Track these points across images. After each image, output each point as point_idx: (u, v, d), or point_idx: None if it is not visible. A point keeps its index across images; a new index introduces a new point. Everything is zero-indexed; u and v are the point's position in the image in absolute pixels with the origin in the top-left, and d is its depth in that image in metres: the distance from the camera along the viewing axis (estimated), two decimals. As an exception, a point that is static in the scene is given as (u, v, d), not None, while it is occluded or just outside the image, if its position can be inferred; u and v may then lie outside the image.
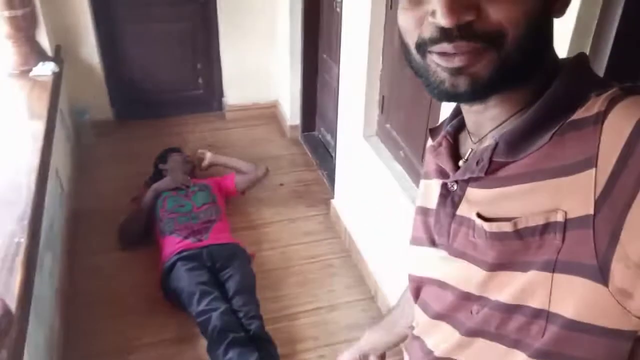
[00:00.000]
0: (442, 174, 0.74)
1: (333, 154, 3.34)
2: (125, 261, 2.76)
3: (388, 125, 2.42)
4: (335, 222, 3.04)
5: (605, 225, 0.53)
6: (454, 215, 0.70)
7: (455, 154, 0.73)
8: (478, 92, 0.60)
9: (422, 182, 0.83)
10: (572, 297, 0.57)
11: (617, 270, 0.52)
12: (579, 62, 0.63)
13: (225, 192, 3.10)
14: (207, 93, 4.17)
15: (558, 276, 0.57)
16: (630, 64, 1.16)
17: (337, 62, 2.97)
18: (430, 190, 0.77)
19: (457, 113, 0.75)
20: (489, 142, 0.65)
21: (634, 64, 1.17)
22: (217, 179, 3.12)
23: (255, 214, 3.14)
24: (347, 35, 2.60)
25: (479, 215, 0.65)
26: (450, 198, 0.71)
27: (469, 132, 0.72)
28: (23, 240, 1.80)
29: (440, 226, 0.73)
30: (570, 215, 0.56)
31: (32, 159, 2.25)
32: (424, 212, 0.79)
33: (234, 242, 2.70)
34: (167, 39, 3.91)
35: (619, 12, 1.13)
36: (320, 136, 3.79)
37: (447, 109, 1.74)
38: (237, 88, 4.07)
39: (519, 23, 0.55)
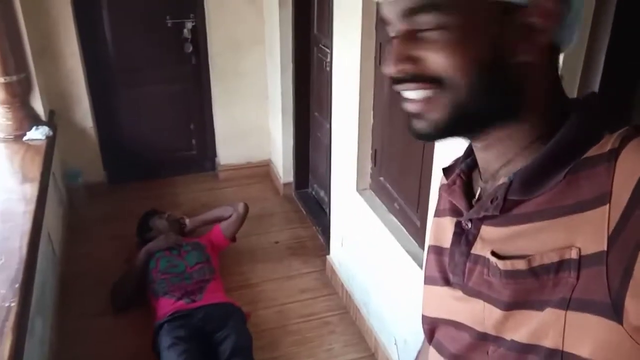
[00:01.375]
0: (456, 212, 0.74)
1: (327, 210, 3.34)
2: (118, 325, 2.70)
3: (382, 178, 2.43)
4: (332, 278, 3.01)
5: (618, 261, 0.52)
6: (468, 254, 0.69)
7: (469, 192, 0.73)
8: (440, 134, 0.64)
9: (435, 220, 0.82)
10: (587, 337, 0.55)
11: (631, 307, 0.51)
12: (590, 100, 0.64)
13: (218, 246, 3.06)
14: (200, 153, 4.21)
15: (572, 314, 0.56)
16: (622, 79, 1.19)
17: (328, 119, 3.02)
18: (444, 229, 0.77)
19: (470, 152, 0.75)
20: (502, 180, 0.65)
21: (626, 79, 1.20)
22: (206, 236, 3.09)
23: (250, 273, 3.10)
24: (338, 92, 2.65)
25: (494, 254, 0.64)
26: (464, 236, 0.70)
27: (479, 170, 0.72)
28: (14, 304, 1.77)
29: (454, 265, 0.72)
30: (585, 252, 0.55)
31: (24, 223, 2.25)
32: (437, 251, 0.79)
33: (228, 301, 2.65)
34: (160, 101, 3.97)
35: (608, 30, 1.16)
36: (313, 193, 3.80)
37: (440, 157, 1.76)
38: (230, 148, 4.11)
39: (456, 72, 0.59)
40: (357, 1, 2.27)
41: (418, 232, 2.11)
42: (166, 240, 2.91)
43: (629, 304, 0.51)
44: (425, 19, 0.59)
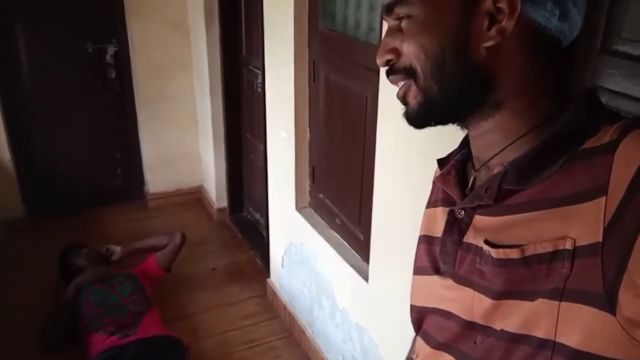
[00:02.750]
0: (449, 202, 0.74)
1: (264, 233, 3.29)
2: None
3: (321, 195, 2.42)
4: (273, 302, 2.94)
5: (613, 253, 0.53)
6: (460, 242, 0.69)
7: (463, 182, 0.73)
8: (418, 120, 0.68)
9: (426, 211, 0.83)
10: (578, 327, 0.56)
11: (625, 299, 0.52)
12: (590, 93, 0.65)
13: (152, 277, 2.92)
14: (127, 182, 4.04)
15: (565, 305, 0.56)
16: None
17: (262, 140, 2.99)
18: (436, 219, 0.77)
19: (466, 143, 0.75)
20: (497, 169, 0.65)
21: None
22: (139, 266, 2.94)
23: (188, 302, 2.98)
24: (272, 112, 2.63)
25: (487, 242, 0.64)
26: (457, 225, 0.70)
27: (472, 158, 0.73)
28: None
29: (446, 253, 0.72)
30: (579, 243, 0.56)
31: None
32: (428, 240, 0.79)
33: (166, 333, 2.52)
34: (83, 130, 3.79)
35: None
36: (249, 216, 3.74)
37: (380, 169, 1.78)
38: (159, 175, 3.98)
39: (423, 59, 0.63)
40: (288, 20, 2.27)
41: (361, 246, 2.11)
42: (94, 273, 2.74)
43: (623, 295, 0.52)
44: (399, 10, 0.64)
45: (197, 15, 3.47)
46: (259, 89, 3.04)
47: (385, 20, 0.69)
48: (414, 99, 0.66)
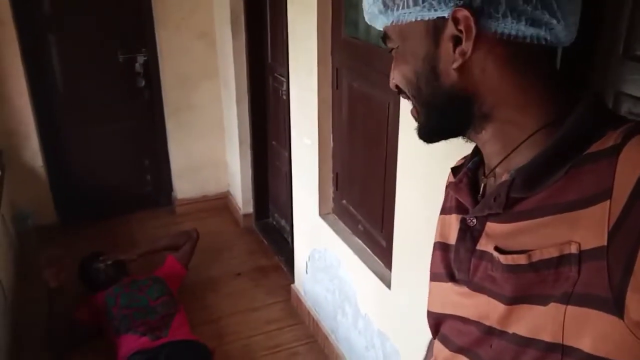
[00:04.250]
0: (462, 209, 0.75)
1: (289, 239, 3.31)
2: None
3: (344, 201, 2.43)
4: (297, 307, 2.96)
5: (618, 256, 0.53)
6: (474, 249, 0.70)
7: (474, 190, 0.75)
8: (424, 136, 0.73)
9: (440, 217, 0.84)
10: (587, 331, 0.56)
11: (632, 303, 0.52)
12: (594, 98, 0.65)
13: (176, 277, 2.95)
14: (156, 189, 4.12)
15: (572, 309, 0.57)
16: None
17: (287, 147, 3.02)
18: (450, 226, 0.78)
19: (478, 150, 0.77)
20: (504, 177, 0.66)
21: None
22: (161, 269, 2.98)
23: (214, 307, 3.02)
24: (296, 119, 2.66)
25: (497, 249, 0.65)
26: (469, 233, 0.71)
27: (484, 167, 0.74)
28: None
29: (460, 261, 0.73)
30: (584, 247, 0.56)
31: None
32: (443, 247, 0.80)
33: (194, 339, 2.56)
34: (113, 137, 3.88)
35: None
36: (274, 222, 3.77)
37: (403, 175, 1.78)
38: (186, 182, 4.04)
39: (404, 84, 0.70)
40: (311, 28, 2.30)
41: (384, 253, 2.11)
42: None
43: (630, 299, 0.52)
44: (388, 44, 0.72)
45: (224, 24, 3.52)
46: (284, 97, 3.07)
47: None
48: (417, 117, 0.73)
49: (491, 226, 0.68)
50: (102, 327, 2.67)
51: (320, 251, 2.59)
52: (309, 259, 2.76)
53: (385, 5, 0.67)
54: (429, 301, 0.84)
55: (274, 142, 3.51)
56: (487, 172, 0.72)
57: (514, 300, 0.63)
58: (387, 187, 2.02)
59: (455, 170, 0.80)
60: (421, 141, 0.74)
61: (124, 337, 2.47)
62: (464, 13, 0.61)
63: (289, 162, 2.92)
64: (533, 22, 0.61)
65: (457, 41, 0.63)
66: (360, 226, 2.31)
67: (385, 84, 1.92)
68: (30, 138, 3.54)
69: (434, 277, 0.82)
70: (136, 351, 2.38)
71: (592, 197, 0.56)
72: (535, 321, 0.61)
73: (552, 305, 0.59)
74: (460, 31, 0.62)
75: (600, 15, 1.14)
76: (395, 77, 0.71)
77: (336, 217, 2.52)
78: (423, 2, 0.63)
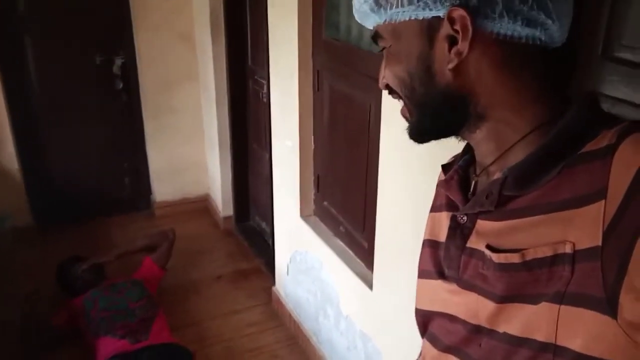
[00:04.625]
0: (453, 206, 0.75)
1: (269, 241, 3.30)
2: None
3: (326, 203, 2.44)
4: (278, 310, 2.95)
5: (613, 256, 0.53)
6: (464, 247, 0.70)
7: (465, 187, 0.74)
8: (415, 136, 0.72)
9: (430, 215, 0.84)
10: (580, 330, 0.56)
11: (626, 302, 0.52)
12: (589, 98, 0.65)
13: (154, 279, 2.92)
14: (134, 192, 4.07)
15: (565, 308, 0.57)
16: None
17: (267, 150, 3.01)
18: (440, 223, 0.78)
19: (469, 148, 0.77)
20: (497, 175, 0.66)
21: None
22: (139, 272, 2.94)
23: (195, 310, 3.00)
24: (277, 121, 2.66)
25: (489, 247, 0.65)
26: (460, 230, 0.71)
27: (474, 165, 0.74)
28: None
29: (450, 258, 0.73)
30: (579, 247, 0.56)
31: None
32: (432, 244, 0.80)
33: (174, 342, 2.53)
34: (91, 140, 3.83)
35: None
36: (255, 225, 3.75)
37: (384, 176, 1.79)
38: (166, 184, 4.01)
39: (397, 84, 0.70)
40: (292, 31, 2.30)
41: (365, 254, 2.12)
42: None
43: (624, 299, 0.52)
44: (380, 42, 0.71)
45: (204, 26, 3.51)
46: (265, 99, 3.07)
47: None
48: (409, 117, 0.72)
49: (482, 224, 0.68)
50: (80, 330, 2.63)
51: (302, 253, 2.59)
52: (290, 261, 2.75)
53: (377, 3, 0.66)
54: (417, 299, 0.84)
55: (254, 145, 3.50)
56: (478, 170, 0.72)
57: (505, 299, 0.63)
58: (369, 188, 2.03)
59: (446, 168, 0.80)
60: (411, 141, 0.73)
61: (102, 339, 2.44)
62: (460, 12, 0.60)
63: (269, 165, 2.91)
64: (529, 22, 0.61)
65: (452, 41, 0.62)
66: (341, 227, 2.32)
67: (366, 85, 1.94)
68: (5, 141, 3.48)
69: (422, 274, 0.82)
70: (115, 354, 2.34)
71: (586, 197, 0.56)
72: (528, 320, 0.61)
73: (545, 304, 0.59)
74: (456, 31, 0.61)
75: (578, 15, 1.16)
76: (387, 77, 0.71)
77: (317, 218, 2.52)
78: (418, 1, 0.62)
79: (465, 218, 0.70)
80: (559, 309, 0.57)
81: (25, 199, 3.65)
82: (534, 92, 0.65)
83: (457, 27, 0.61)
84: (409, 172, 1.65)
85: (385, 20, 0.66)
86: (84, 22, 3.59)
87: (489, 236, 0.67)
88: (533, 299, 0.60)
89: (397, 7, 0.64)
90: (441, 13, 0.62)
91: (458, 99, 0.65)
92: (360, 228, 2.17)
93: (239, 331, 2.84)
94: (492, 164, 0.69)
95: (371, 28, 0.71)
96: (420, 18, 0.63)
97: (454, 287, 0.72)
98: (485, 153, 0.70)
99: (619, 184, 0.53)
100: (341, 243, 2.32)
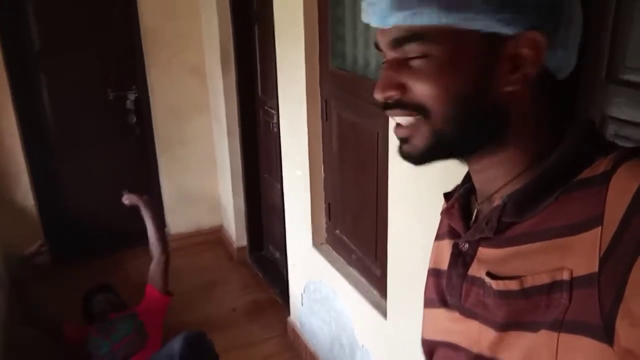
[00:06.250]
0: (455, 234, 0.74)
1: (284, 271, 3.29)
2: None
3: (337, 231, 2.43)
4: (294, 341, 2.92)
5: (609, 282, 0.52)
6: (465, 275, 0.70)
7: (466, 215, 0.74)
8: (423, 159, 0.66)
9: (435, 244, 0.83)
10: (579, 358, 0.55)
11: (622, 329, 0.51)
12: (586, 124, 0.65)
13: (157, 309, 2.84)
14: (149, 225, 4.09)
15: (564, 336, 0.56)
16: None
17: (279, 179, 3.02)
18: (443, 252, 0.77)
19: (469, 176, 0.76)
20: (497, 202, 0.66)
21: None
22: (142, 302, 2.88)
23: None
24: (287, 150, 2.67)
25: (489, 274, 0.65)
26: (461, 258, 0.70)
27: (475, 192, 0.73)
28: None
29: (452, 286, 0.72)
30: (576, 274, 0.56)
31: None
32: (436, 273, 0.79)
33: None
34: (105, 175, 3.87)
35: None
36: (268, 255, 3.74)
37: (395, 204, 1.78)
38: (179, 216, 4.03)
39: (440, 101, 0.61)
40: (300, 61, 2.33)
41: (379, 282, 2.10)
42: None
43: (620, 326, 0.51)
44: (412, 48, 0.61)
45: (214, 59, 3.56)
46: (275, 129, 3.09)
47: (384, 51, 0.66)
48: (423, 138, 0.64)
49: (483, 251, 0.68)
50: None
51: (315, 282, 2.58)
52: (304, 291, 2.73)
53: (441, 2, 0.58)
54: (422, 328, 0.84)
55: (265, 175, 3.52)
56: (480, 199, 0.72)
57: (505, 326, 0.63)
58: (380, 215, 2.02)
59: (447, 196, 0.80)
60: (410, 163, 0.68)
61: None
62: (538, 37, 0.58)
63: (281, 194, 2.92)
64: (564, 50, 0.62)
65: (514, 63, 0.60)
66: (353, 256, 2.30)
67: (373, 113, 1.95)
68: (20, 178, 3.52)
69: (427, 303, 0.81)
70: None
71: (583, 224, 0.56)
72: (528, 349, 0.60)
73: (544, 332, 0.58)
74: (520, 54, 0.60)
75: (583, 40, 1.16)
76: (421, 90, 0.61)
77: (330, 247, 2.51)
78: (498, 12, 0.57)
79: (467, 246, 0.70)
80: (558, 337, 0.57)
81: (40, 235, 3.68)
82: (548, 120, 0.65)
83: (527, 51, 0.59)
84: (418, 198, 1.65)
85: (441, 22, 0.59)
86: (97, 59, 3.67)
87: (489, 263, 0.66)
88: (532, 327, 0.60)
89: (466, 12, 0.58)
90: (514, 31, 0.59)
91: (494, 123, 0.63)
92: (372, 256, 2.15)
93: (255, 364, 2.81)
94: (497, 191, 0.68)
95: (397, 24, 0.61)
96: (488, 31, 0.59)
97: (456, 315, 0.72)
98: (488, 180, 0.69)
99: (614, 210, 0.53)
100: (354, 271, 2.31)
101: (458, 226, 0.73)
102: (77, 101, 3.69)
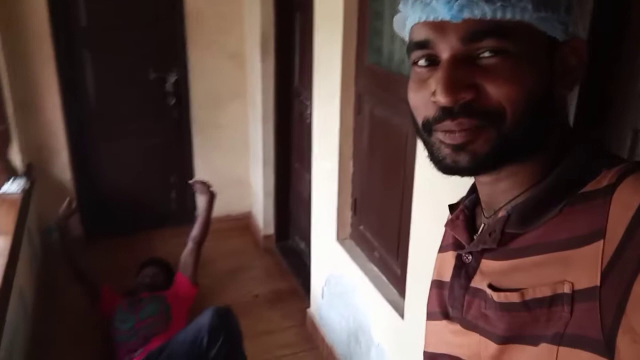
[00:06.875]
0: (459, 246, 0.74)
1: (307, 262, 3.30)
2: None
3: (362, 227, 2.41)
4: (312, 332, 2.93)
5: (611, 297, 0.52)
6: (468, 287, 0.69)
7: (471, 227, 0.73)
8: (477, 168, 0.62)
9: (438, 256, 0.83)
10: None
11: (623, 345, 0.50)
12: (592, 138, 0.66)
13: (184, 297, 2.89)
14: (180, 206, 4.16)
15: (564, 350, 0.56)
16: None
17: (309, 170, 3.02)
18: (446, 263, 0.77)
19: (475, 188, 0.75)
20: (502, 213, 0.66)
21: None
22: (171, 288, 2.93)
23: (229, 327, 3.01)
24: (318, 142, 2.66)
25: (490, 286, 0.64)
26: (464, 270, 0.70)
27: (481, 206, 0.72)
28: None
29: (454, 298, 0.71)
30: (578, 287, 0.55)
31: (-6, 278, 2.16)
32: (438, 285, 0.79)
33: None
34: (141, 154, 3.95)
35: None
36: (294, 245, 3.76)
37: (418, 205, 1.76)
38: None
39: (518, 102, 0.57)
40: (336, 54, 2.31)
41: (398, 281, 2.08)
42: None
43: (621, 341, 0.50)
44: (489, 44, 0.57)
45: (254, 46, 3.58)
46: (308, 120, 3.08)
47: (449, 46, 0.59)
48: (486, 144, 0.59)
49: (486, 263, 0.67)
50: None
51: (337, 276, 2.57)
52: (325, 284, 2.73)
53: None
54: (425, 341, 0.83)
55: (297, 164, 3.52)
56: (486, 211, 0.71)
57: (506, 339, 0.62)
58: (404, 215, 2.00)
59: (452, 208, 0.79)
60: (456, 175, 0.64)
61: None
62: (584, 45, 0.61)
63: (309, 185, 2.92)
64: None
65: (565, 68, 0.61)
66: (376, 253, 2.29)
67: (405, 111, 1.92)
68: (60, 152, 3.62)
69: (429, 316, 0.81)
70: None
71: (585, 237, 0.55)
72: None
73: (544, 345, 0.57)
74: (567, 59, 0.61)
75: (618, 54, 1.12)
76: (500, 91, 0.57)
77: (353, 242, 2.50)
78: (568, 13, 0.58)
79: (470, 257, 0.69)
80: (558, 351, 0.56)
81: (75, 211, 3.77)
82: (568, 129, 0.67)
83: (574, 57, 0.61)
84: (442, 204, 1.61)
85: (524, 19, 0.57)
86: (141, 39, 3.72)
87: (492, 276, 0.65)
88: (533, 340, 0.59)
89: (545, 11, 0.57)
90: (567, 37, 0.60)
91: (550, 129, 0.62)
92: (394, 254, 2.13)
93: (272, 352, 2.82)
94: (508, 202, 0.66)
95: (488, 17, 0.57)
96: (550, 35, 0.59)
97: (457, 327, 0.71)
98: (499, 192, 0.67)
99: (617, 224, 0.53)
100: (375, 268, 2.29)
101: (462, 237, 0.72)
102: (119, 79, 3.75)
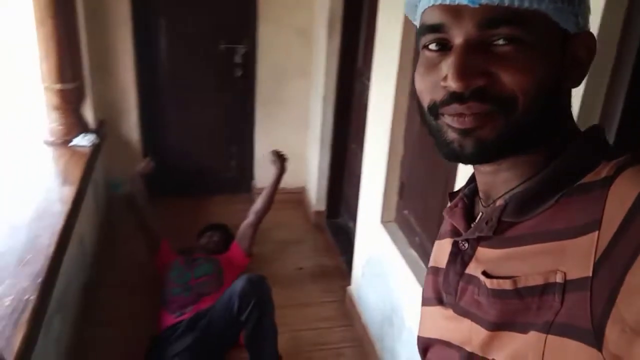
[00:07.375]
0: (455, 233, 0.75)
1: (354, 241, 3.33)
2: (136, 335, 2.70)
3: (406, 212, 2.42)
4: (350, 309, 2.98)
5: (602, 288, 0.52)
6: (462, 273, 0.71)
7: (469, 215, 0.74)
8: (483, 154, 0.62)
9: (436, 243, 0.84)
10: None
11: (612, 334, 0.51)
12: (593, 131, 0.65)
13: (236, 265, 3.00)
14: (238, 175, 4.29)
15: (552, 338, 0.56)
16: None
17: (363, 151, 3.03)
18: (443, 250, 0.78)
19: (474, 177, 0.76)
20: (499, 202, 0.67)
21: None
22: (226, 254, 3.06)
23: (270, 295, 3.10)
24: (372, 124, 2.68)
25: (484, 273, 0.66)
26: (460, 256, 0.71)
27: (479, 195, 0.73)
28: (33, 298, 1.81)
29: (448, 284, 0.73)
30: (570, 277, 0.56)
31: (57, 223, 2.29)
32: (435, 271, 0.80)
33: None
34: (205, 122, 4.09)
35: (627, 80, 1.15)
36: (343, 223, 3.80)
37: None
38: (267, 172, 4.12)
39: (530, 90, 0.58)
40: (396, 38, 2.30)
41: (435, 269, 2.08)
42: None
43: (610, 330, 0.51)
44: (504, 31, 0.57)
45: (321, 23, 3.60)
46: (366, 101, 3.09)
47: (464, 31, 0.58)
48: (494, 130, 0.60)
49: (482, 251, 0.68)
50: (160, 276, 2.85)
51: (377, 258, 2.60)
52: (366, 264, 2.77)
53: None
54: (419, 326, 0.84)
55: (353, 145, 3.54)
56: (485, 201, 0.71)
57: (497, 326, 0.63)
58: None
59: (452, 196, 0.80)
60: (459, 162, 0.65)
61: (161, 311, 2.62)
62: (593, 39, 0.61)
63: (362, 166, 2.94)
64: None
65: (575, 61, 0.62)
66: (417, 238, 2.30)
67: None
68: (130, 112, 3.80)
69: (424, 301, 0.82)
70: (164, 329, 2.49)
71: (580, 228, 0.56)
72: (517, 349, 0.60)
73: (533, 333, 0.58)
74: (576, 54, 0.62)
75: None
76: (513, 78, 0.57)
77: (396, 226, 2.51)
78: (578, 9, 0.60)
79: (466, 245, 0.70)
80: (546, 339, 0.57)
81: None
82: (571, 123, 0.67)
83: (584, 50, 0.62)
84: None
85: (540, 8, 0.57)
86: (213, 10, 3.83)
87: (487, 263, 0.66)
88: (523, 328, 0.60)
89: (561, 2, 0.58)
90: (579, 30, 0.61)
91: (557, 121, 0.64)
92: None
93: (309, 324, 2.90)
94: (507, 192, 0.66)
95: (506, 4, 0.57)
96: (563, 27, 0.60)
97: (450, 313, 0.72)
98: (498, 183, 0.68)
99: (613, 216, 0.53)
100: (414, 253, 2.30)
101: (460, 225, 0.73)
102: (190, 48, 3.89)
